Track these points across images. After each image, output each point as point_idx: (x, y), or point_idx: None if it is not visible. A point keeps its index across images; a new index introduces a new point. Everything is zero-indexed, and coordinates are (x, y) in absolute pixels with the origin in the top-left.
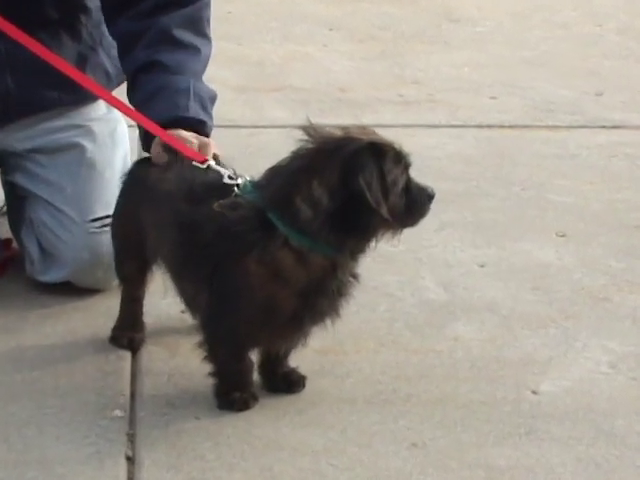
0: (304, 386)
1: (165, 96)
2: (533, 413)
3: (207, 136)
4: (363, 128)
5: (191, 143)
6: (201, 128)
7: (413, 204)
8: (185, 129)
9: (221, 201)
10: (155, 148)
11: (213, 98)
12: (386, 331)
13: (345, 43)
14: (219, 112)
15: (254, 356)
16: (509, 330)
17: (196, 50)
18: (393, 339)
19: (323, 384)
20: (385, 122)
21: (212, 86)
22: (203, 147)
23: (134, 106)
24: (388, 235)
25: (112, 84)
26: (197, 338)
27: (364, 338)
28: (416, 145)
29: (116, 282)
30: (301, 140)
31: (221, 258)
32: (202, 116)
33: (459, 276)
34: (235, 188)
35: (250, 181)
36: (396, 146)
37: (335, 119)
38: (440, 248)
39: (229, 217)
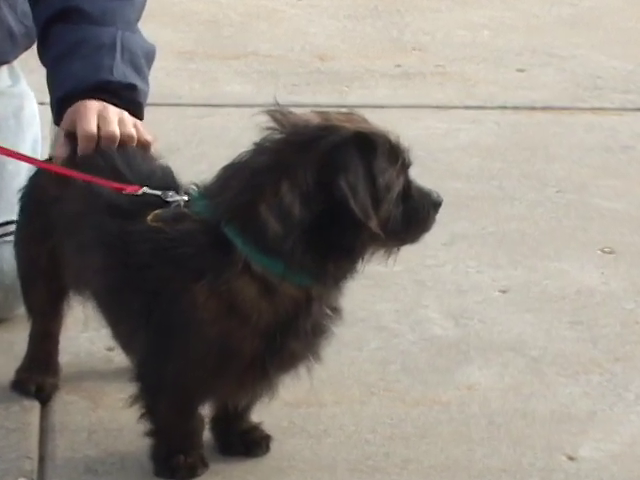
0: (268, 448)
1: (83, 53)
2: None
3: (140, 105)
4: (348, 112)
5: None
6: (131, 95)
7: (413, 215)
8: (108, 99)
9: (158, 211)
10: (58, 145)
11: (150, 55)
12: (377, 376)
13: None
14: (159, 86)
15: (205, 409)
16: (539, 376)
17: None
18: (386, 386)
19: (293, 445)
20: (378, 101)
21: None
22: (127, 138)
23: (45, 66)
24: (380, 254)
25: (17, 47)
26: (131, 386)
27: (347, 385)
28: (419, 132)
29: (22, 310)
30: (266, 128)
31: (161, 287)
32: (132, 79)
33: (474, 305)
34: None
35: (197, 187)
36: (391, 137)
37: (312, 97)
38: (449, 268)
39: (170, 233)
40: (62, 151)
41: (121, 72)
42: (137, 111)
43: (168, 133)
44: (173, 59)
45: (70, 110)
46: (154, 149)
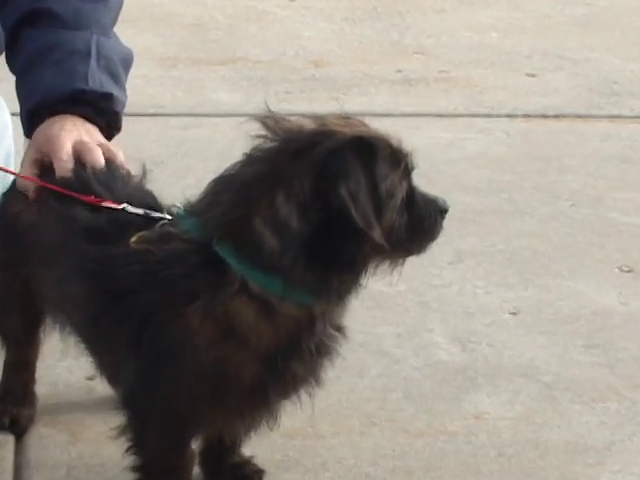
0: None
1: (55, 59)
2: None
3: (117, 115)
4: (345, 117)
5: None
6: (107, 105)
7: (418, 223)
8: (80, 110)
9: (141, 233)
10: (25, 164)
11: (127, 60)
12: (378, 405)
13: None
14: (139, 95)
15: (196, 442)
16: (553, 404)
17: None
18: (388, 416)
19: None
20: (378, 110)
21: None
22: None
23: (14, 73)
24: (384, 268)
25: None
26: (114, 418)
27: (346, 415)
28: (423, 142)
29: None
30: (257, 137)
31: (149, 312)
32: (109, 87)
33: (482, 328)
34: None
35: (183, 204)
36: (393, 142)
37: (307, 105)
38: (455, 289)
39: (157, 255)
40: (30, 173)
41: (97, 80)
42: (114, 122)
43: (150, 145)
44: (154, 66)
45: (41, 131)
46: (121, 162)
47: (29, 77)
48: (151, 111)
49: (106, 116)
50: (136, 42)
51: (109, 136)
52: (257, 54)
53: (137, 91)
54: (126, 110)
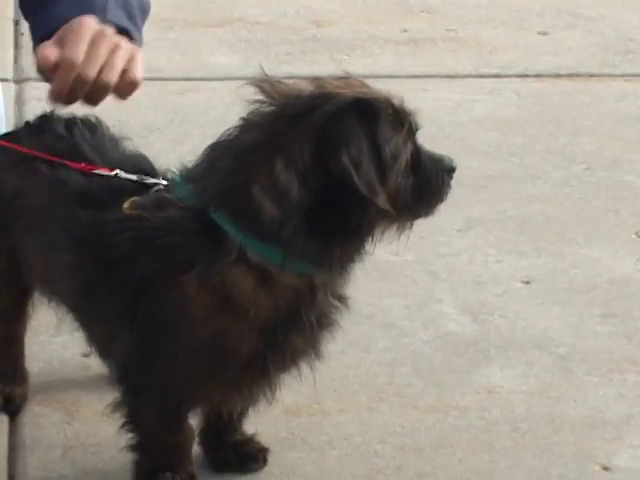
0: (265, 462)
1: None
2: None
3: None
4: (344, 77)
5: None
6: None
7: (425, 184)
8: None
9: (135, 198)
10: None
11: (144, 6)
12: (386, 380)
13: None
14: None
15: (194, 418)
16: (568, 377)
17: None
18: (396, 391)
19: (293, 459)
20: (383, 71)
21: None
22: (130, 62)
23: (26, 13)
24: (391, 233)
25: None
26: (110, 395)
27: (353, 390)
28: (430, 105)
29: None
30: (253, 101)
31: (144, 282)
32: (126, 24)
33: (494, 298)
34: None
35: (179, 170)
36: (395, 102)
37: (308, 68)
38: (465, 257)
39: (152, 222)
40: (49, 52)
41: (115, 15)
42: None
43: (146, 111)
44: (150, 28)
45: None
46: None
47: (45, 11)
48: (147, 75)
49: None
50: None
51: None
52: (256, 15)
53: None
54: None
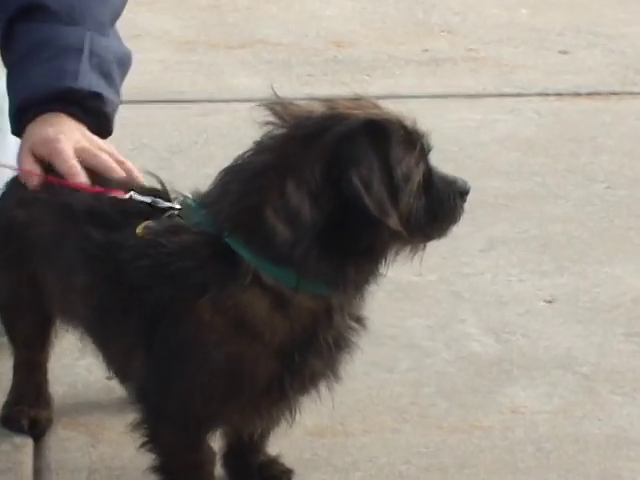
0: None
1: (46, 56)
2: None
3: (107, 116)
4: (356, 98)
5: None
6: (97, 105)
7: (437, 206)
8: (68, 108)
9: (147, 223)
10: (25, 159)
11: (124, 60)
12: (410, 400)
13: None
14: (156, 81)
15: (216, 441)
16: (592, 396)
17: None
18: (420, 412)
19: None
20: (404, 91)
21: (128, 45)
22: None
23: (7, 68)
24: (405, 254)
25: None
26: (132, 416)
27: (377, 411)
28: (451, 125)
29: (3, 338)
30: (266, 124)
31: (160, 307)
32: (99, 87)
33: (517, 318)
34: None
35: (192, 195)
36: (407, 123)
37: (330, 88)
38: (488, 277)
39: (166, 247)
40: (31, 168)
41: (87, 79)
42: (104, 123)
43: (170, 133)
44: (172, 50)
45: (35, 132)
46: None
47: (19, 73)
48: (169, 97)
49: (95, 117)
50: (153, 25)
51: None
52: (277, 36)
53: (154, 77)
54: (144, 97)
